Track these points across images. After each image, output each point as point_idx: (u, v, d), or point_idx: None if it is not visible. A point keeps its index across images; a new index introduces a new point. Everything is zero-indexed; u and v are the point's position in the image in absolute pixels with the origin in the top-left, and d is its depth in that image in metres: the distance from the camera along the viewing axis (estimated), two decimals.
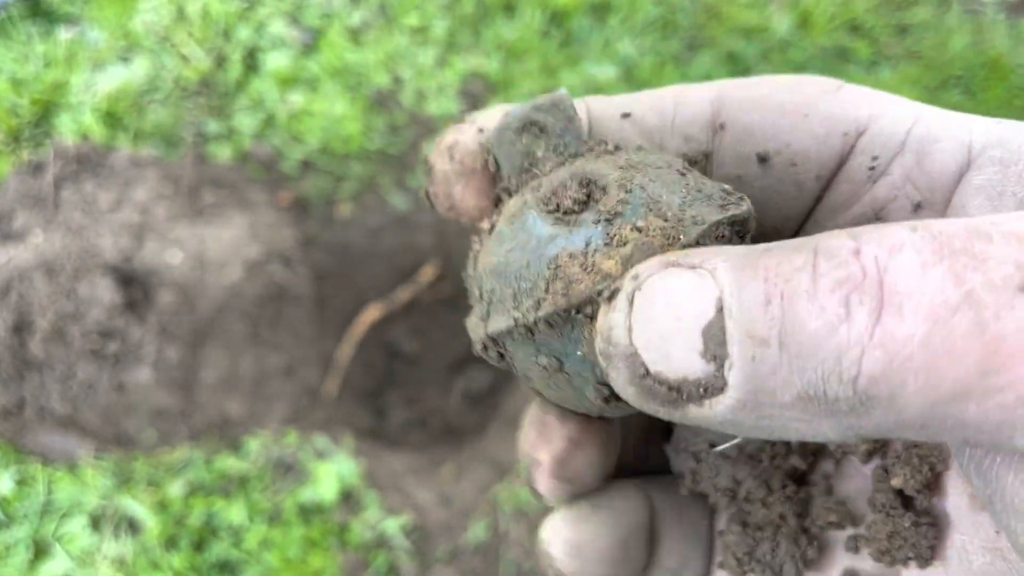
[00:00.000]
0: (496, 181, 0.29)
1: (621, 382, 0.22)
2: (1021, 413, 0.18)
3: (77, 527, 1.36)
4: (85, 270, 1.40)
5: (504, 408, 1.62)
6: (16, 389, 1.40)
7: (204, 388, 1.44)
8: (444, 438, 1.64)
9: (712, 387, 0.20)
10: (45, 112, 1.67)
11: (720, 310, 0.20)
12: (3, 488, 1.37)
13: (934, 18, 1.85)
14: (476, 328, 0.28)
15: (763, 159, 0.28)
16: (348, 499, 1.38)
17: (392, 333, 1.72)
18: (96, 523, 1.36)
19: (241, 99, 1.70)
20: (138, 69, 1.70)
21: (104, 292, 1.39)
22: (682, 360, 0.21)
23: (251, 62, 1.74)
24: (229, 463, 1.39)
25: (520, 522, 1.37)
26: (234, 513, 1.35)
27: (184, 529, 1.35)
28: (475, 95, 1.72)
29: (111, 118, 1.65)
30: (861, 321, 0.19)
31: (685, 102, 0.29)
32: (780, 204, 0.29)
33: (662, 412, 0.22)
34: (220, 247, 1.50)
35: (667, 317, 0.21)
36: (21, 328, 1.39)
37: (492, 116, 0.29)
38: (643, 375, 0.21)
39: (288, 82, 1.71)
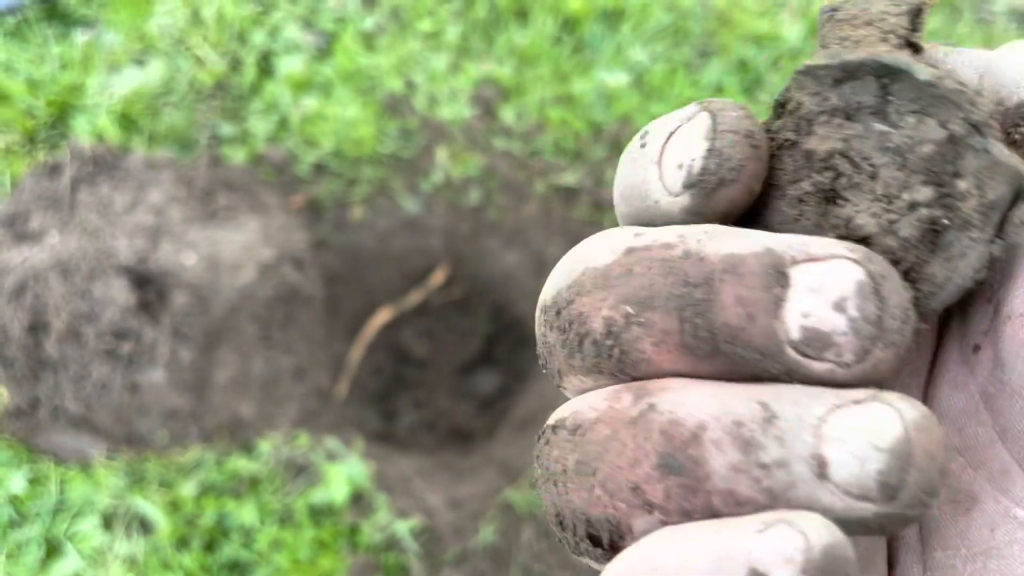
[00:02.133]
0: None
1: None
2: None
3: (89, 526, 1.36)
4: (100, 271, 1.41)
5: (514, 411, 1.62)
6: (30, 389, 1.41)
7: (216, 389, 1.45)
8: (453, 441, 1.64)
9: None
10: (61, 114, 1.68)
11: None
12: (16, 487, 1.38)
13: (945, 27, 1.85)
14: None
15: None
16: (358, 501, 1.39)
17: (402, 336, 1.73)
18: (108, 523, 1.37)
19: (255, 102, 1.71)
20: (153, 72, 1.72)
21: (118, 293, 1.40)
22: None
23: (265, 66, 1.75)
24: (240, 464, 1.40)
25: (530, 525, 1.37)
26: (245, 514, 1.36)
27: (195, 529, 1.36)
28: (487, 100, 1.73)
29: (126, 120, 1.67)
30: None
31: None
32: None
33: None
34: (233, 249, 1.51)
35: None
36: (36, 328, 1.40)
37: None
38: None
39: (302, 86, 1.72)
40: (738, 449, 0.22)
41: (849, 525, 0.21)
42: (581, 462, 0.23)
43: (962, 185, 0.22)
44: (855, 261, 0.21)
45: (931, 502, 0.21)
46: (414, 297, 1.72)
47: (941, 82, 0.22)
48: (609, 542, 0.23)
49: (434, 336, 1.75)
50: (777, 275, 0.22)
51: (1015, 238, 0.23)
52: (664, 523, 0.22)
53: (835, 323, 0.21)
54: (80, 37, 1.77)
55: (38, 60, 1.74)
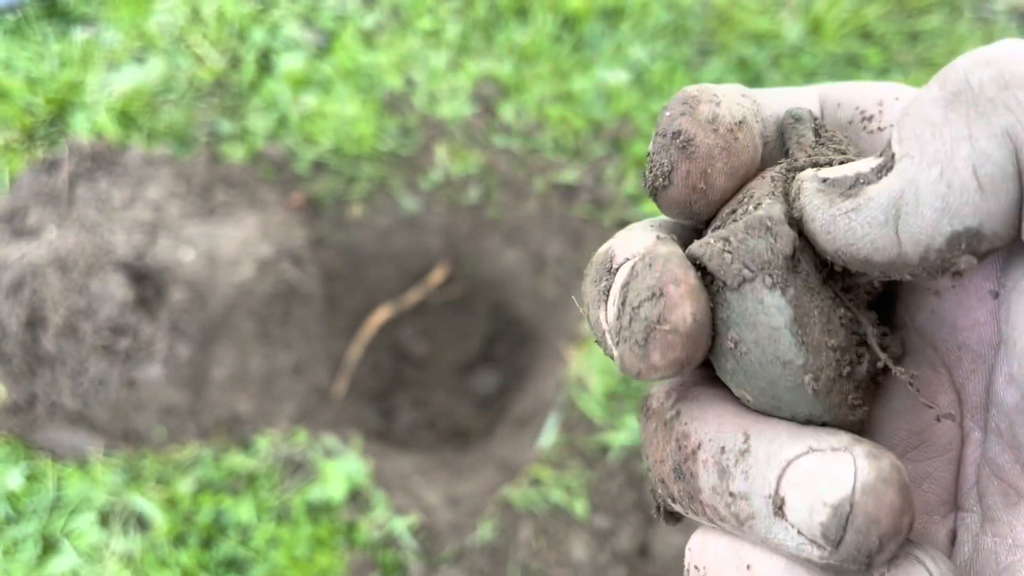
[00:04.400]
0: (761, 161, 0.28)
1: None
2: None
3: (86, 523, 1.36)
4: (98, 267, 1.41)
5: (512, 410, 1.62)
6: (28, 384, 1.40)
7: (214, 386, 1.44)
8: (452, 439, 1.64)
9: (886, 164, 0.24)
10: (60, 111, 1.68)
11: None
12: (13, 483, 1.38)
13: (945, 26, 1.85)
14: None
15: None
16: (356, 498, 1.38)
17: (401, 334, 1.73)
18: (105, 519, 1.36)
19: (254, 100, 1.71)
20: (153, 69, 1.72)
21: (116, 289, 1.40)
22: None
23: (265, 63, 1.75)
24: (238, 461, 1.40)
25: (528, 523, 1.37)
26: (243, 511, 1.35)
27: (192, 526, 1.35)
28: (487, 98, 1.73)
29: (125, 117, 1.67)
30: (1008, 42, 0.22)
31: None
32: None
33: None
34: (232, 246, 1.50)
35: None
36: (34, 323, 1.39)
37: (730, 94, 0.28)
38: None
39: (301, 83, 1.72)
40: (717, 474, 0.24)
41: (802, 562, 0.23)
42: (643, 444, 0.28)
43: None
44: None
45: (876, 560, 0.22)
46: (413, 295, 1.71)
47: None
48: (664, 507, 0.29)
49: (433, 334, 1.74)
50: None
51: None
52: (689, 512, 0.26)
53: None
54: (80, 35, 1.77)
55: (38, 58, 1.74)
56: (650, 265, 0.24)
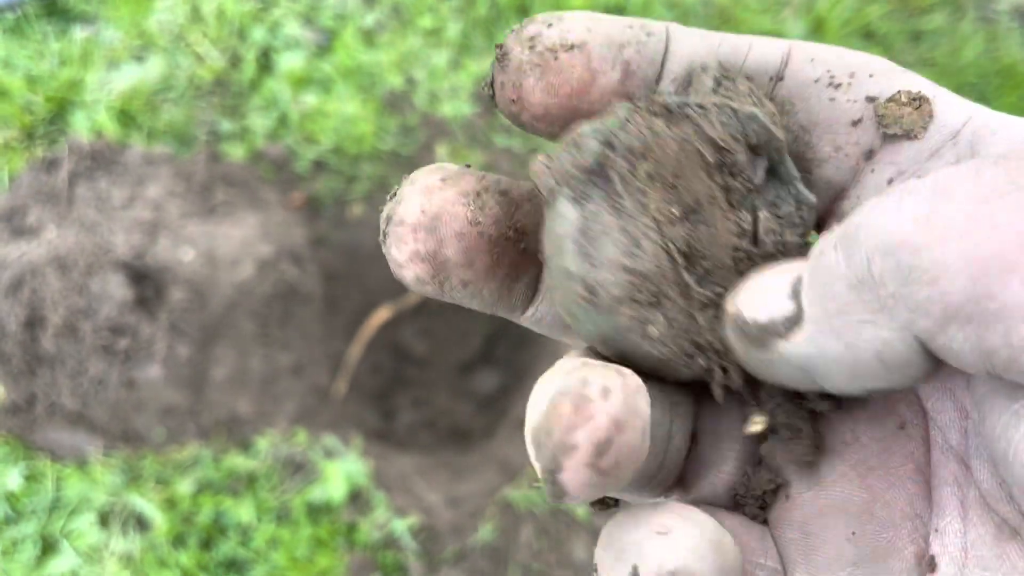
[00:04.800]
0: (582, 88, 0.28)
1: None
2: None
3: (85, 524, 1.35)
4: (97, 266, 1.41)
5: (513, 410, 1.61)
6: (27, 385, 1.40)
7: (214, 386, 1.44)
8: (453, 440, 1.63)
9: (795, 319, 0.24)
10: (60, 110, 1.68)
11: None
12: (12, 484, 1.37)
13: (948, 25, 1.84)
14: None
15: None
16: (356, 499, 1.38)
17: (401, 334, 1.72)
18: (104, 520, 1.36)
19: (255, 99, 1.70)
20: (153, 68, 1.71)
21: (116, 288, 1.40)
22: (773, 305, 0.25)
23: (265, 62, 1.74)
24: (238, 461, 1.39)
25: (529, 524, 1.36)
26: (242, 512, 1.35)
27: (192, 527, 1.35)
28: (488, 97, 1.72)
29: (125, 116, 1.66)
30: (909, 207, 0.21)
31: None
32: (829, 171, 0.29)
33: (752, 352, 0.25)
34: (231, 245, 1.50)
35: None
36: (33, 323, 1.39)
37: (576, 20, 0.29)
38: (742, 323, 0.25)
39: (302, 82, 1.71)
40: None
41: None
42: None
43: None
44: None
45: None
46: (413, 296, 1.71)
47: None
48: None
49: (434, 334, 1.74)
50: None
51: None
52: None
53: None
54: (79, 33, 1.76)
55: (37, 56, 1.73)
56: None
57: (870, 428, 0.28)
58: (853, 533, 0.27)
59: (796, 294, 0.24)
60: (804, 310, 0.23)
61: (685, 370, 0.27)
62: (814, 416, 0.29)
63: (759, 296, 0.25)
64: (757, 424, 0.28)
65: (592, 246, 0.25)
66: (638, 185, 0.26)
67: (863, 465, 0.28)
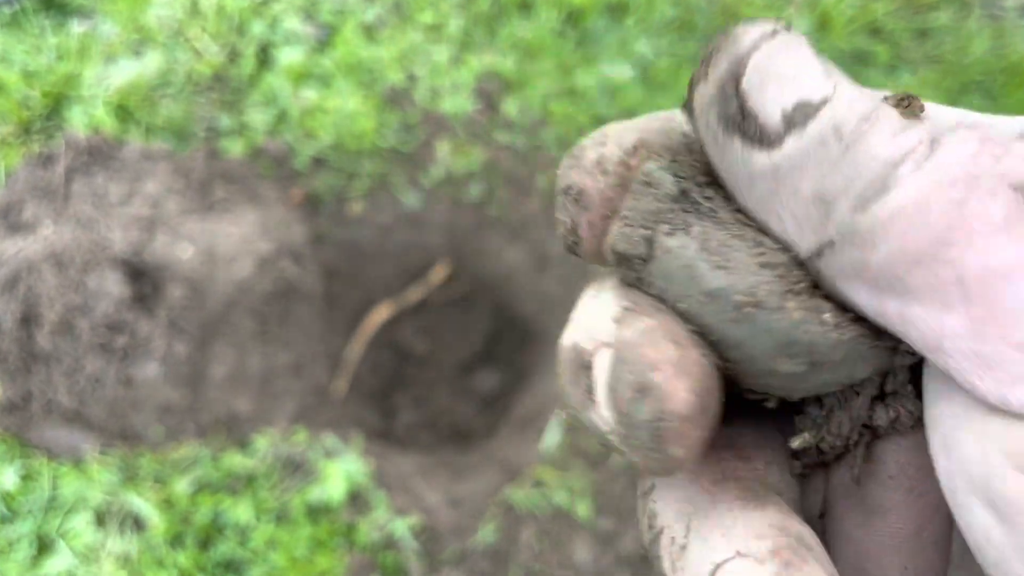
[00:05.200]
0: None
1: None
2: (948, 294, 0.18)
3: (82, 523, 1.34)
4: (94, 263, 1.39)
5: (514, 410, 1.60)
6: (23, 382, 1.38)
7: (212, 384, 1.43)
8: (453, 439, 1.62)
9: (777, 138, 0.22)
10: (57, 104, 1.66)
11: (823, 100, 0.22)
12: (7, 482, 1.36)
13: (954, 22, 1.83)
14: None
15: None
16: (356, 499, 1.36)
17: (402, 333, 1.71)
18: (101, 519, 1.35)
19: (254, 94, 1.69)
20: (151, 63, 1.70)
21: (113, 285, 1.38)
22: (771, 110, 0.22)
23: (264, 57, 1.73)
24: (236, 461, 1.38)
25: (530, 525, 1.35)
26: (241, 511, 1.34)
27: (190, 527, 1.34)
28: (490, 93, 1.71)
29: (123, 111, 1.65)
30: (911, 140, 0.20)
31: None
32: None
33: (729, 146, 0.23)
34: (230, 242, 1.48)
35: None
36: (29, 320, 1.37)
37: (614, 127, 0.27)
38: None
39: (301, 78, 1.70)
40: (669, 565, 0.24)
41: None
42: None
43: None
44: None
45: None
46: (414, 293, 1.70)
47: None
48: None
49: (434, 333, 1.73)
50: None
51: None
52: None
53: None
54: (77, 28, 1.75)
55: (34, 50, 1.72)
56: (623, 360, 0.22)
57: (916, 456, 0.27)
58: (906, 567, 0.27)
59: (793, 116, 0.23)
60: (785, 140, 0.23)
61: (871, 353, 0.25)
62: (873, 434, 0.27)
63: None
64: (801, 440, 0.27)
65: (722, 256, 0.24)
66: (717, 198, 0.25)
67: (912, 493, 0.27)
